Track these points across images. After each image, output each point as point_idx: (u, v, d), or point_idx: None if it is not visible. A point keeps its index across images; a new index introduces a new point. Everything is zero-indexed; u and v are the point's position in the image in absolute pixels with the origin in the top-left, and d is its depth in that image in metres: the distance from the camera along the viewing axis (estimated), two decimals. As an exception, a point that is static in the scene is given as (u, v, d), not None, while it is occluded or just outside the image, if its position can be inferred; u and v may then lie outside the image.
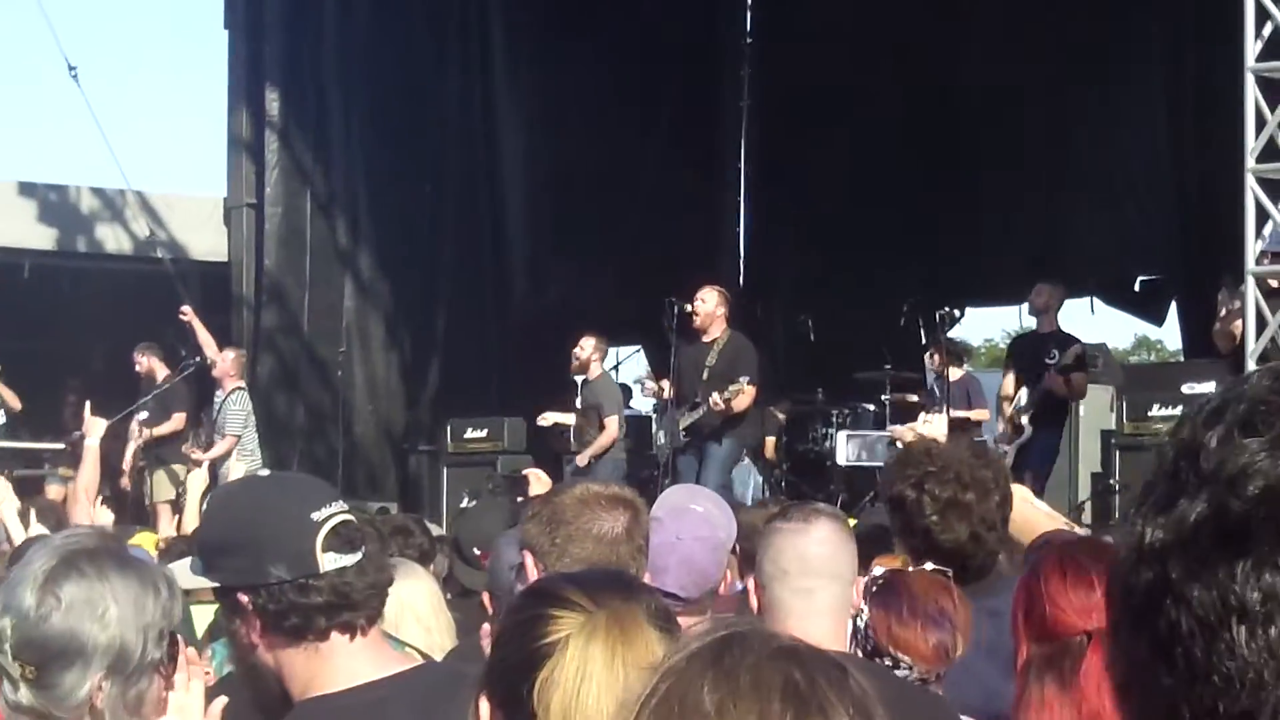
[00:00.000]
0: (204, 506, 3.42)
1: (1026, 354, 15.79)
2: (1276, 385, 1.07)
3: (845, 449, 4.12)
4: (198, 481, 10.00)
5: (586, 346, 16.49)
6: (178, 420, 17.80)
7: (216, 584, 3.20)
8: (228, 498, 3.44)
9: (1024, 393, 15.28)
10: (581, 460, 15.92)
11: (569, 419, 16.77)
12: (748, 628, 1.83)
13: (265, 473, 3.07)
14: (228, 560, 3.17)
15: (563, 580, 2.59)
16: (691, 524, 4.73)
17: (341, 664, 3.16)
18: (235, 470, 13.95)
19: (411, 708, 3.13)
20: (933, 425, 5.62)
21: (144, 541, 10.51)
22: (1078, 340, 15.78)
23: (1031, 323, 16.61)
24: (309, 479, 3.51)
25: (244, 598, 3.13)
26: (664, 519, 4.72)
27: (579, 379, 16.76)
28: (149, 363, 18.18)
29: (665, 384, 15.24)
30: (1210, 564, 1.04)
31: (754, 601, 4.25)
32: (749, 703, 1.75)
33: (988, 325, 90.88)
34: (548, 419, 17.06)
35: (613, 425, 16.16)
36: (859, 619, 4.53)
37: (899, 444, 4.92)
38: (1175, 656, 1.05)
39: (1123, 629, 1.10)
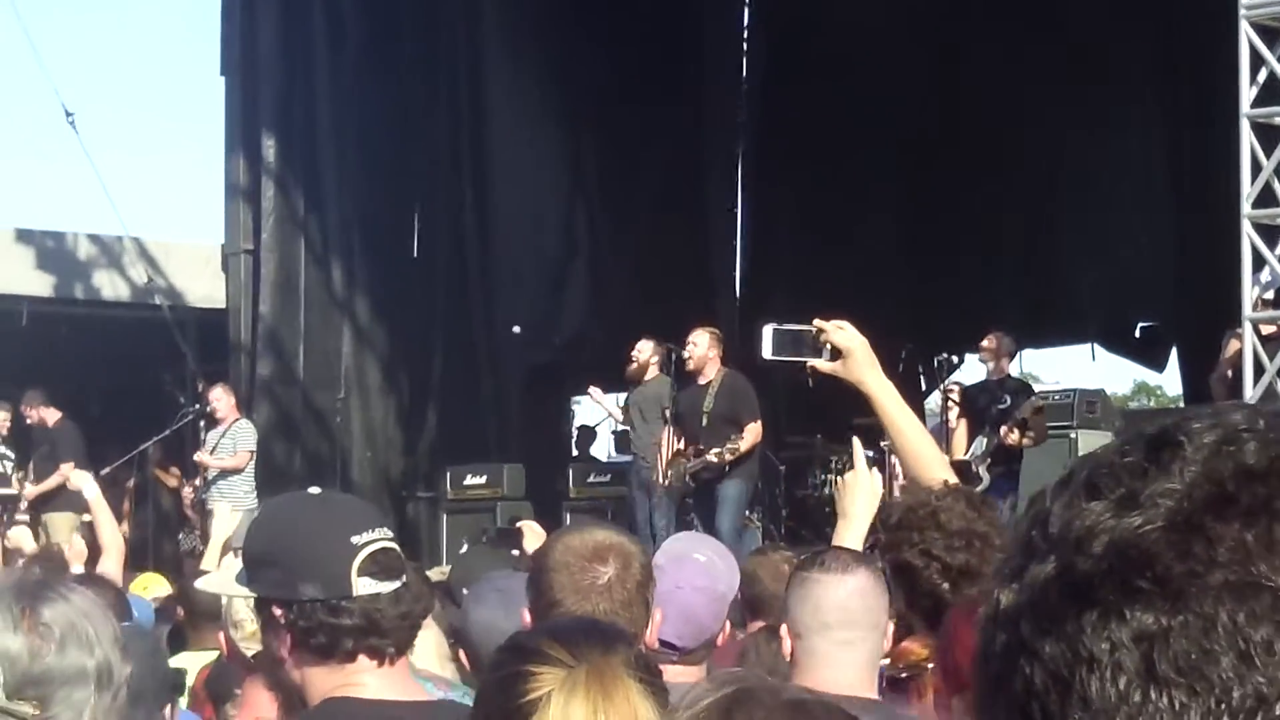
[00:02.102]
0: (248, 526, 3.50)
1: (978, 402, 15.70)
2: (1122, 449, 1.10)
3: (770, 342, 3.99)
4: (223, 525, 9.90)
5: (645, 349, 16.12)
6: (67, 470, 17.89)
7: (255, 594, 3.29)
8: (275, 510, 3.54)
9: (980, 441, 15.19)
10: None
11: (615, 410, 16.91)
12: (756, 683, 1.82)
13: (316, 490, 3.15)
14: (266, 572, 3.25)
15: (541, 634, 2.56)
16: (691, 573, 4.70)
17: (366, 681, 3.21)
18: (220, 513, 13.96)
19: None
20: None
21: (149, 584, 10.41)
22: (1029, 387, 15.80)
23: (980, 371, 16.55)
24: (357, 502, 3.64)
25: (277, 611, 3.22)
26: (665, 566, 4.70)
27: (631, 385, 16.67)
28: (39, 413, 18.33)
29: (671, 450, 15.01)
30: (1059, 619, 1.06)
31: (785, 649, 4.19)
32: None
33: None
34: (596, 395, 17.26)
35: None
36: None
37: (828, 344, 4.65)
38: (1032, 712, 1.07)
39: (984, 697, 1.12)
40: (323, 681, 3.21)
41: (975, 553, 4.35)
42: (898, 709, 4.18)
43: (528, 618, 3.86)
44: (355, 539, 3.22)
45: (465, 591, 7.42)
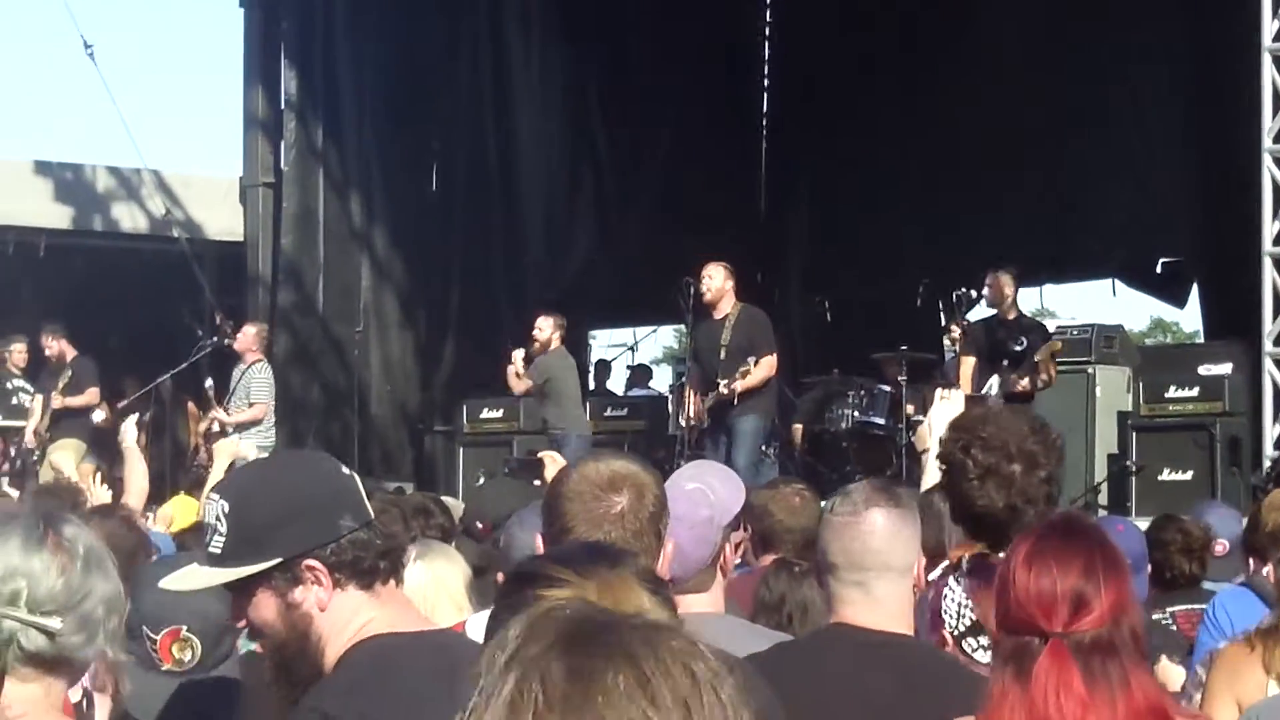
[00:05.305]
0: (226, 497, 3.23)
1: (990, 340, 15.27)
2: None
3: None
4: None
5: (545, 327, 16.26)
6: (90, 395, 17.84)
7: (278, 559, 3.15)
8: (263, 477, 3.35)
9: (994, 381, 14.84)
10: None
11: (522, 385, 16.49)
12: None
13: (264, 454, 3.07)
14: (289, 531, 3.16)
15: (545, 559, 2.50)
16: (675, 503, 4.72)
17: (400, 612, 3.26)
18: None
19: (471, 657, 3.11)
20: (950, 402, 5.56)
21: (182, 507, 10.42)
22: (1043, 326, 15.46)
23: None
24: (308, 451, 3.70)
25: (313, 561, 3.16)
26: (659, 496, 4.74)
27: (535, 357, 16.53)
28: (59, 345, 18.21)
29: (694, 403, 14.95)
30: None
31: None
32: None
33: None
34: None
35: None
36: (949, 600, 4.53)
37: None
38: None
39: None
40: (365, 612, 3.18)
41: (1007, 458, 4.52)
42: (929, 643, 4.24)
43: (540, 543, 3.86)
44: (344, 470, 3.28)
45: (479, 525, 7.44)
